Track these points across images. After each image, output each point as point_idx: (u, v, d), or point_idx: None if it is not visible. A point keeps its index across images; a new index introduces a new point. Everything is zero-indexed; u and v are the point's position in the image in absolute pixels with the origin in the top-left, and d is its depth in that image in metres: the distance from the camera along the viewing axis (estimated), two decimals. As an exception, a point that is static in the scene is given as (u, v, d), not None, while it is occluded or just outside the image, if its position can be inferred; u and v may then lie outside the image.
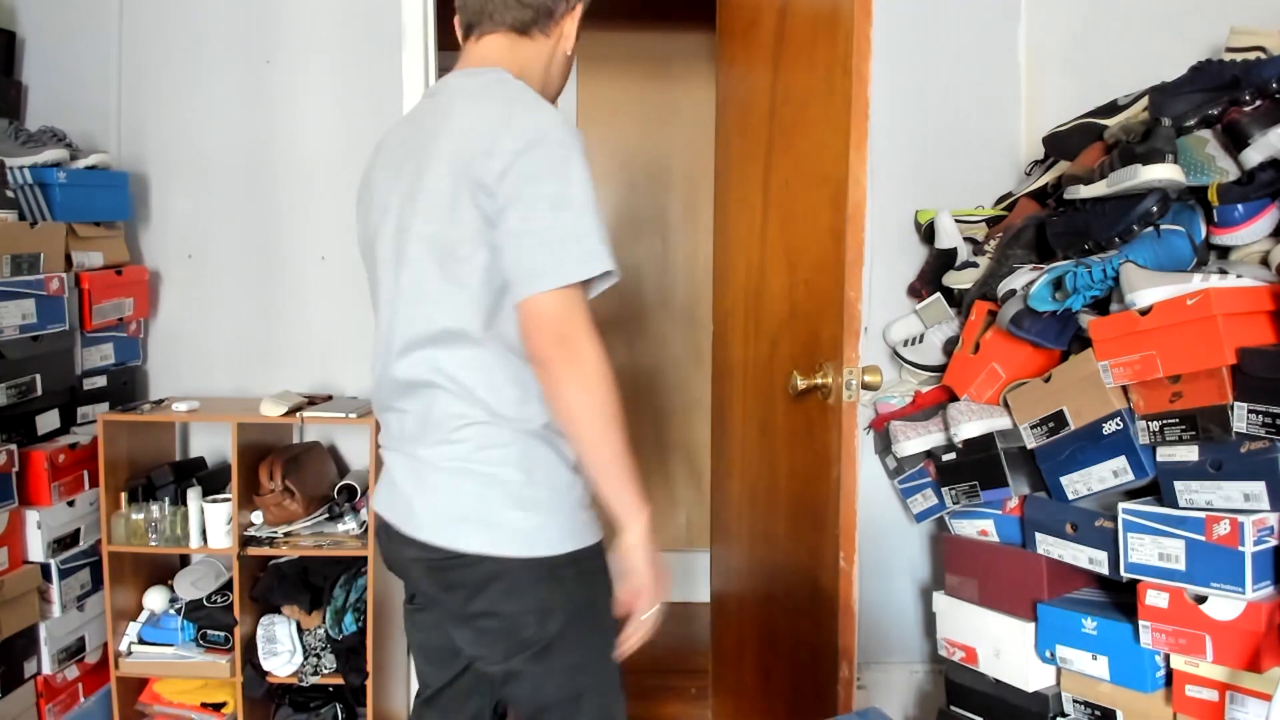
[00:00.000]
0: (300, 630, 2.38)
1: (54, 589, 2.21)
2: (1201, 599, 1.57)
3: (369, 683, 2.33)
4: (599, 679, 1.38)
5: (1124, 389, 1.70)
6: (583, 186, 1.21)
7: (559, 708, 1.36)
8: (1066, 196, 1.93)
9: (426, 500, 1.30)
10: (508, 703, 1.54)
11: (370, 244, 1.42)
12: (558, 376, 1.21)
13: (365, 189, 1.47)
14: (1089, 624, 1.76)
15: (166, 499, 2.34)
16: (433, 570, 1.32)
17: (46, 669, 2.20)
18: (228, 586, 2.39)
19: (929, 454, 2.18)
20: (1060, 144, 2.16)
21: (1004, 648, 1.94)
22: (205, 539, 2.31)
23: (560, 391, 1.21)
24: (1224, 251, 1.78)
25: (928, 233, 2.46)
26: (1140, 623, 1.66)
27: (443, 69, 2.69)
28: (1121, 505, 1.69)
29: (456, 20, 1.40)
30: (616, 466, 1.24)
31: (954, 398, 2.14)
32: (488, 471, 1.27)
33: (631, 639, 1.35)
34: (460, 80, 1.33)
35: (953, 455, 2.07)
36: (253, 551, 2.31)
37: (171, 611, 2.39)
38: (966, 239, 2.38)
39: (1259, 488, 1.50)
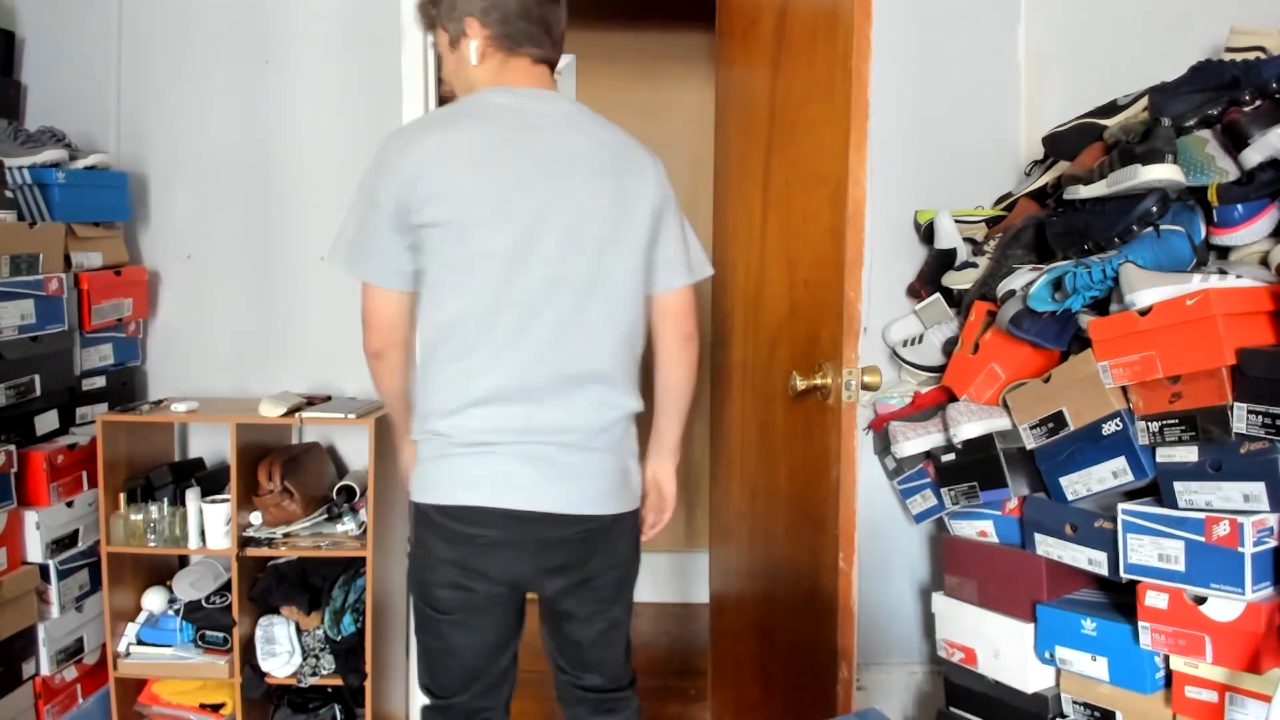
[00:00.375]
0: (299, 631, 2.37)
1: (52, 590, 2.21)
2: (1201, 600, 1.57)
3: (368, 684, 2.33)
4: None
5: (1123, 389, 1.70)
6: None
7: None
8: (1066, 197, 1.93)
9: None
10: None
11: (528, 231, 1.46)
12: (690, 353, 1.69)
13: (468, 167, 1.46)
14: (1088, 625, 1.76)
15: (165, 500, 2.34)
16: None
17: (45, 670, 2.19)
18: (226, 587, 2.39)
19: (928, 454, 2.18)
20: (1060, 144, 2.15)
21: (1003, 649, 1.94)
22: (204, 540, 2.31)
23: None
24: (1224, 252, 1.78)
25: (927, 233, 2.46)
26: (1140, 624, 1.66)
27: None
28: (1121, 506, 1.68)
29: (490, 33, 1.51)
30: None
31: (953, 398, 2.13)
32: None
33: (655, 532, 1.71)
34: (568, 105, 1.57)
35: (952, 456, 2.06)
36: (251, 552, 2.31)
37: (170, 612, 2.39)
38: (966, 239, 2.37)
39: (1259, 488, 1.50)
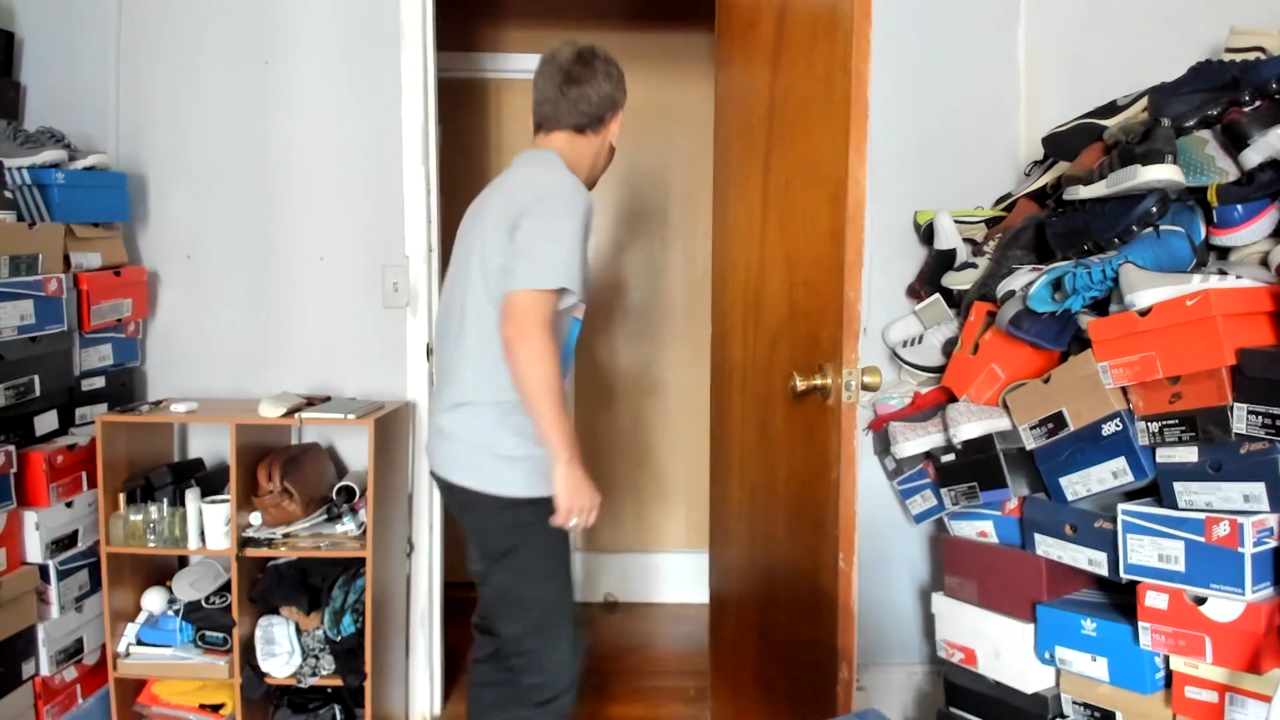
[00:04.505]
0: (299, 631, 2.37)
1: (52, 590, 2.20)
2: (1201, 600, 1.57)
3: (367, 684, 2.33)
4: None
5: (1123, 390, 1.70)
6: (572, 231, 1.73)
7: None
8: (1066, 197, 1.93)
9: None
10: None
11: (452, 268, 1.89)
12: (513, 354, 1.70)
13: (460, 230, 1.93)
14: (1088, 625, 1.76)
15: (165, 500, 2.34)
16: None
17: (45, 670, 2.19)
18: (226, 588, 2.39)
19: (928, 455, 2.18)
20: (1060, 144, 2.16)
21: (1003, 649, 1.94)
22: (204, 540, 2.31)
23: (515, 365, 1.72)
24: (1223, 252, 1.78)
25: (927, 233, 2.46)
26: (1140, 624, 1.66)
27: (442, 69, 2.69)
28: (1121, 506, 1.68)
29: (538, 119, 1.91)
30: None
31: (953, 399, 2.13)
32: None
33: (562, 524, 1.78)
34: (523, 158, 1.90)
35: (952, 456, 2.06)
36: (251, 553, 2.31)
37: (170, 613, 2.39)
38: (966, 240, 2.37)
39: (1258, 489, 1.50)
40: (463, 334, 1.81)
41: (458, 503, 1.88)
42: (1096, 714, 1.77)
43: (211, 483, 2.46)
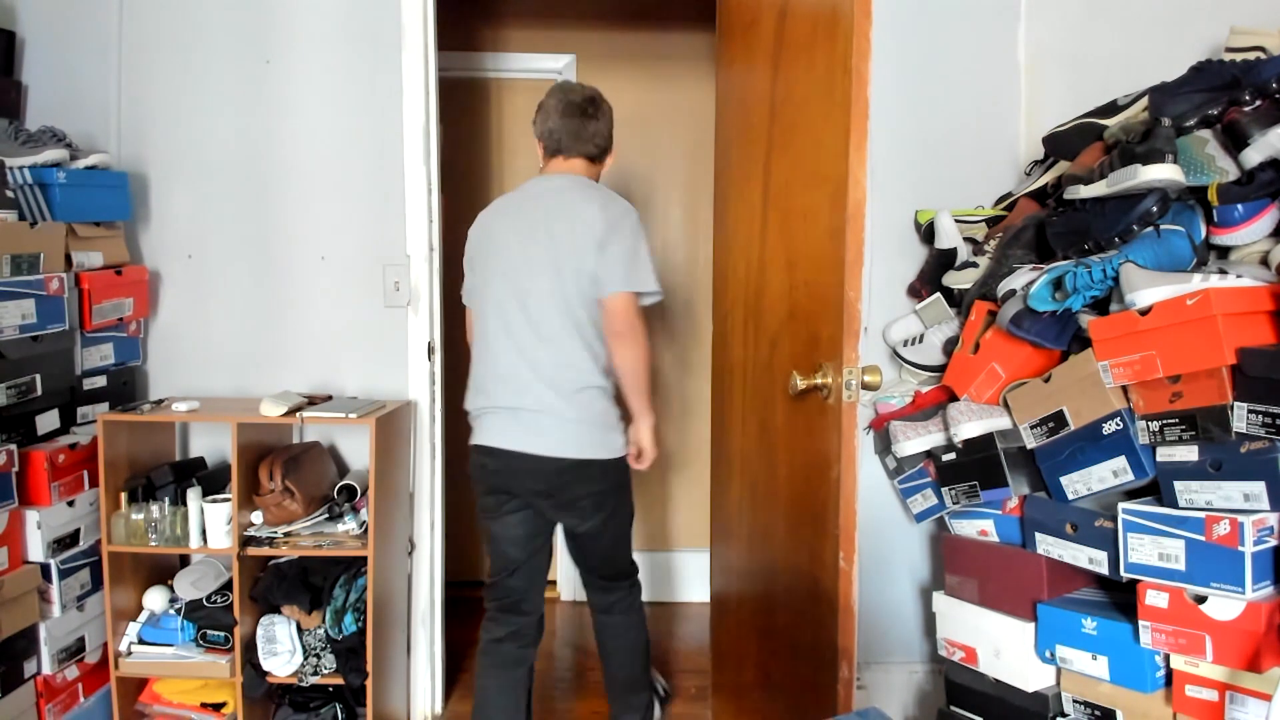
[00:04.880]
0: (300, 630, 2.38)
1: (54, 589, 2.21)
2: (1201, 599, 1.57)
3: (369, 683, 2.33)
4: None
5: (1124, 389, 1.70)
6: (646, 246, 2.13)
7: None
8: (1066, 196, 1.93)
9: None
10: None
11: (509, 274, 2.12)
12: (621, 342, 2.11)
13: (487, 236, 2.20)
14: (1089, 624, 1.76)
15: (166, 499, 2.34)
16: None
17: (46, 669, 2.20)
18: (227, 586, 2.39)
19: (929, 454, 2.18)
20: (1060, 144, 2.16)
21: (1004, 648, 1.94)
22: (205, 539, 2.32)
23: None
24: (1224, 251, 1.78)
25: (928, 233, 2.46)
26: (1140, 623, 1.66)
27: (442, 69, 2.70)
28: (1121, 505, 1.69)
29: (543, 145, 2.21)
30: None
31: (954, 398, 2.14)
32: None
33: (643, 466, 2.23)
34: (563, 180, 2.17)
35: (953, 455, 2.07)
36: (253, 551, 2.31)
37: (171, 611, 2.39)
38: (966, 239, 2.38)
39: (1259, 488, 1.50)
40: (562, 332, 2.08)
41: (563, 479, 2.10)
42: (1097, 713, 1.77)
43: (213, 482, 2.46)
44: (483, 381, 2.15)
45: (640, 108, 3.51)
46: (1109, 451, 1.73)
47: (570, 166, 2.20)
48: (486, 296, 2.15)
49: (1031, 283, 1.84)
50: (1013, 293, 1.91)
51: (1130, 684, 1.70)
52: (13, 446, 2.10)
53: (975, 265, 2.25)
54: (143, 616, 2.40)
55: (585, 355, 2.09)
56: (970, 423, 1.97)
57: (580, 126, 2.17)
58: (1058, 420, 1.82)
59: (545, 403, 2.07)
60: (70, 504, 2.26)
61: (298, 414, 2.33)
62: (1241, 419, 1.51)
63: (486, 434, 2.13)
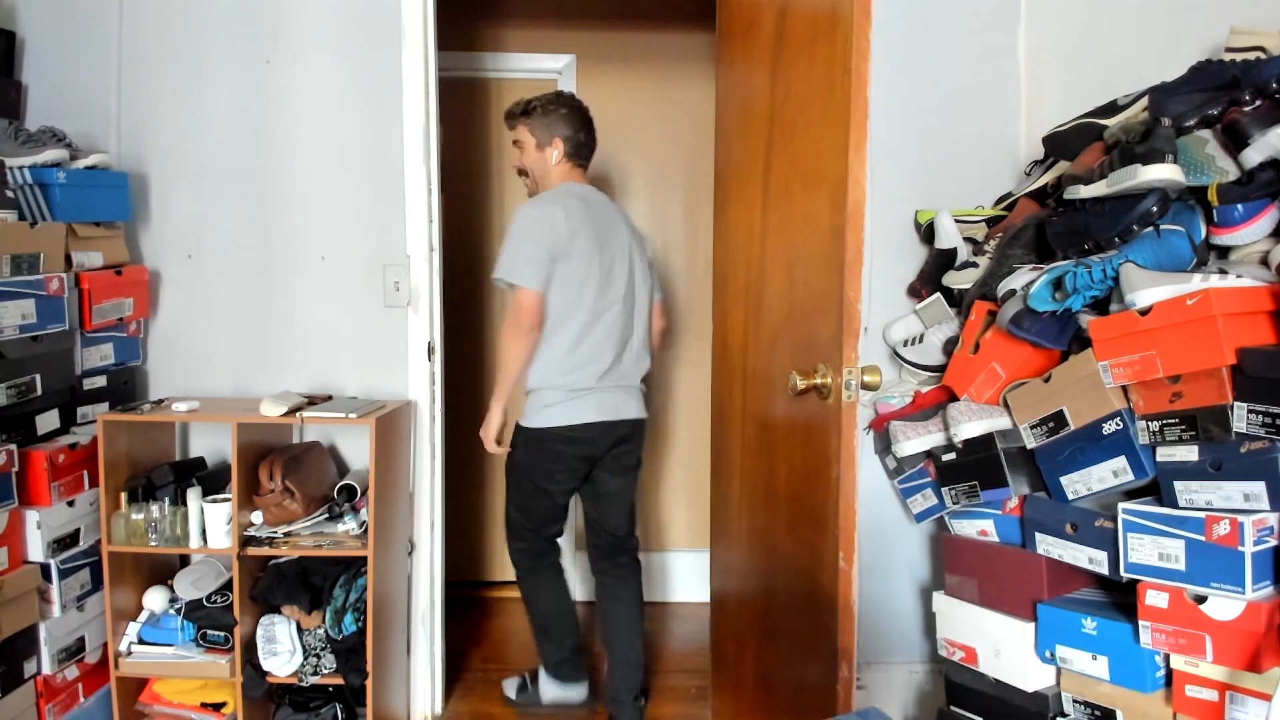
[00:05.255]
0: (300, 630, 2.38)
1: (54, 589, 2.21)
2: (1201, 599, 1.57)
3: (369, 683, 2.33)
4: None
5: (1124, 389, 1.70)
6: None
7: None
8: (1066, 196, 1.93)
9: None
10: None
11: (607, 269, 2.47)
12: (666, 333, 2.92)
13: (581, 231, 2.42)
14: (1089, 624, 1.76)
15: (166, 499, 2.34)
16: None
17: (46, 669, 2.20)
18: (227, 586, 2.39)
19: (929, 454, 2.18)
20: (1060, 144, 2.16)
21: (1004, 648, 1.94)
22: (205, 539, 2.32)
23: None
24: (1224, 251, 1.78)
25: (927, 233, 2.46)
26: (1140, 623, 1.66)
27: (442, 69, 2.70)
28: (1121, 505, 1.69)
29: (564, 148, 2.52)
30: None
31: (954, 398, 2.14)
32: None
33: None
34: (601, 196, 2.58)
35: (952, 455, 2.07)
36: (253, 551, 2.31)
37: (171, 611, 2.39)
38: (966, 239, 2.38)
39: (1259, 488, 1.50)
40: (640, 324, 2.56)
41: (624, 436, 2.54)
42: (1097, 713, 1.77)
43: (213, 482, 2.46)
44: (588, 362, 2.45)
45: (640, 107, 3.51)
46: (1109, 451, 1.73)
47: (586, 179, 2.59)
48: (586, 291, 2.42)
49: (1031, 283, 1.84)
50: (1013, 293, 1.91)
51: (1130, 684, 1.70)
52: (13, 446, 2.10)
53: (975, 265, 2.25)
54: (143, 616, 2.40)
55: (648, 342, 2.64)
56: (970, 423, 1.97)
57: (592, 140, 2.58)
58: (1058, 420, 1.82)
59: (627, 381, 2.54)
60: (70, 504, 2.26)
61: (298, 414, 2.33)
62: (1241, 419, 1.51)
63: (603, 410, 2.47)
